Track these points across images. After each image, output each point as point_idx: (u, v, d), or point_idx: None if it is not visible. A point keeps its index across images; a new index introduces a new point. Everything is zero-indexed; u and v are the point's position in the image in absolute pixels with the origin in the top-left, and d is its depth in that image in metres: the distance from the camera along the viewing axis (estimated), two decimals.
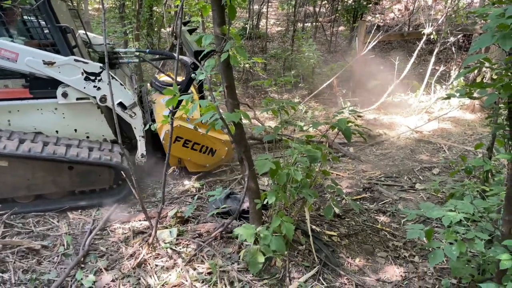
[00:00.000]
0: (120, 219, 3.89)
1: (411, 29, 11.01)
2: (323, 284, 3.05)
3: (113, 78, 4.00)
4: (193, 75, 4.23)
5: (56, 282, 2.91)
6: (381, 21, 12.46)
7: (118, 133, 3.04)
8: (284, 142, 3.38)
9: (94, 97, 3.99)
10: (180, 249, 3.41)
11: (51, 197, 4.03)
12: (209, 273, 3.11)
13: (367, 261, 3.38)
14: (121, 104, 4.13)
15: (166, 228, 3.66)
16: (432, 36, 7.41)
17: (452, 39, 8.38)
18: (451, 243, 2.66)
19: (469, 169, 3.80)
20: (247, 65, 8.26)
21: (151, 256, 3.27)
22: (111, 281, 3.04)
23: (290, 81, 5.45)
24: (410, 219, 3.83)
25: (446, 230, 2.71)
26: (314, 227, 3.58)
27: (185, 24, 5.22)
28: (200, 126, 4.45)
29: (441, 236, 3.37)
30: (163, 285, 2.99)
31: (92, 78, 3.93)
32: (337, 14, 11.96)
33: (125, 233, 3.63)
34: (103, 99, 4.01)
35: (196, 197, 4.29)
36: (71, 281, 3.04)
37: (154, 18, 9.34)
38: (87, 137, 4.25)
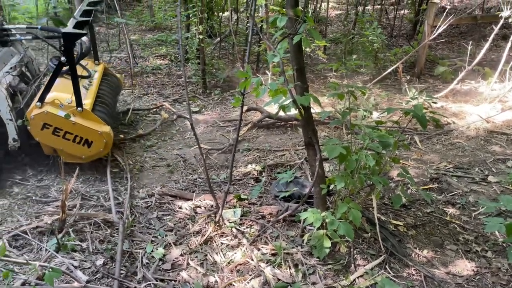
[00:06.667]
0: (185, 197, 4.02)
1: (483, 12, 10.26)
2: (389, 273, 2.98)
3: None
4: (62, 58, 3.80)
5: (118, 252, 3.06)
6: (449, 3, 11.71)
7: None
8: (353, 127, 3.30)
9: None
10: (244, 229, 3.48)
11: None
12: (273, 254, 3.15)
13: (435, 253, 3.26)
14: None
15: (230, 208, 3.74)
16: (510, 20, 6.85)
17: None
18: None
19: None
20: (307, 49, 8.12)
21: (216, 234, 3.37)
22: (179, 255, 3.17)
23: (359, 64, 5.24)
24: (487, 211, 3.63)
25: None
26: (379, 215, 3.50)
27: None
28: (76, 114, 4.01)
29: None
30: (229, 263, 3.07)
31: None
32: None
33: (190, 211, 3.76)
34: None
35: (263, 179, 4.32)
36: (142, 253, 3.21)
37: (214, 2, 9.40)
38: None
